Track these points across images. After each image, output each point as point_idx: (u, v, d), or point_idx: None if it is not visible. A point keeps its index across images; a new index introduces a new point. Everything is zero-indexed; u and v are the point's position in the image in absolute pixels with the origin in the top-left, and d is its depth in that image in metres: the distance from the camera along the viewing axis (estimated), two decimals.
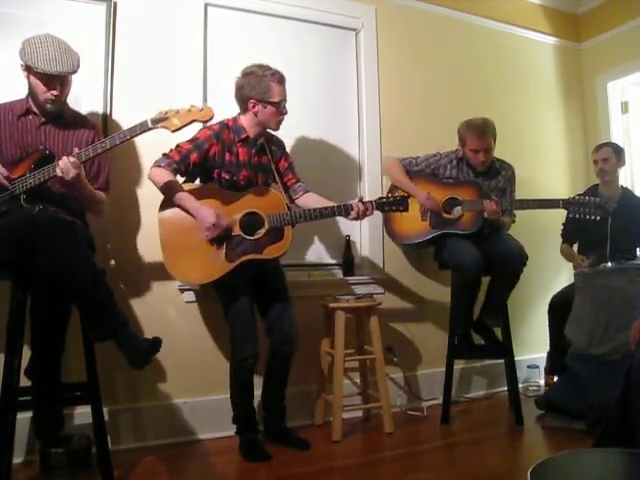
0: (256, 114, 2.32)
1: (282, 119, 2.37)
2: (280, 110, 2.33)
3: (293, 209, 2.35)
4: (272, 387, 2.41)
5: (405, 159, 2.93)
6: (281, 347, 2.32)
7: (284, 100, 2.34)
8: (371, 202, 2.35)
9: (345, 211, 2.31)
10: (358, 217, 2.33)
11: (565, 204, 2.60)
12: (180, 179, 2.30)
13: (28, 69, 1.96)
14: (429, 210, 2.79)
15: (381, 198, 2.39)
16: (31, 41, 1.94)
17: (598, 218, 2.56)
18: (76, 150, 1.91)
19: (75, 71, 2.02)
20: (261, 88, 2.28)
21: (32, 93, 2.01)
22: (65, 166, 1.85)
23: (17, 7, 2.37)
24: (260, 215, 2.27)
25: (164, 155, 2.23)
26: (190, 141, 2.26)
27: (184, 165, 2.23)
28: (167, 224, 2.24)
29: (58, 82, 1.99)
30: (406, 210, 2.39)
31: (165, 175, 2.19)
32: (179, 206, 2.22)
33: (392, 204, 2.37)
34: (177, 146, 2.25)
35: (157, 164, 2.21)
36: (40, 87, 1.98)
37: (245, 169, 2.35)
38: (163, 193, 2.23)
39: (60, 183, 1.93)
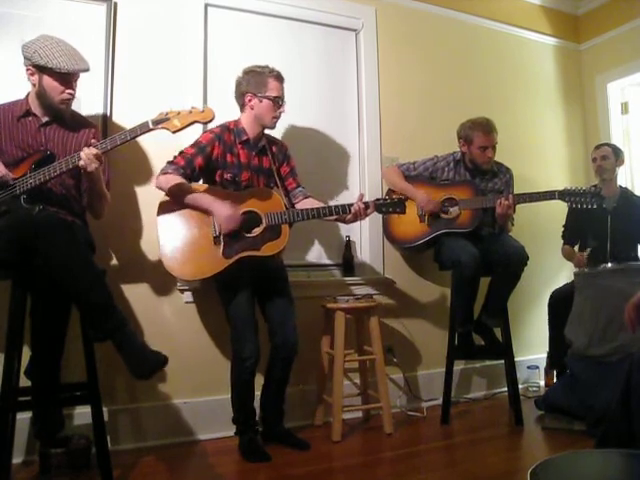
0: (252, 108, 2.33)
1: (278, 116, 2.37)
2: (276, 105, 2.33)
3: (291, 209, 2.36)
4: (272, 389, 2.41)
5: (403, 165, 2.94)
6: (282, 351, 2.32)
7: (281, 97, 2.34)
8: (368, 202, 2.34)
9: (343, 210, 2.31)
10: (356, 217, 2.32)
11: (561, 195, 2.61)
12: None
13: (42, 70, 1.94)
14: (429, 212, 2.79)
15: (378, 199, 2.40)
16: (40, 43, 1.92)
17: (595, 206, 2.56)
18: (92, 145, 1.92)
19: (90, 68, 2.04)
20: (258, 83, 2.31)
21: (43, 95, 1.99)
22: (88, 157, 1.86)
23: (17, 7, 2.37)
24: (258, 213, 2.28)
25: (169, 163, 2.24)
26: (193, 145, 2.28)
27: (190, 169, 2.24)
28: (165, 221, 2.25)
29: (74, 81, 2.01)
30: (403, 212, 2.39)
31: (174, 179, 2.20)
32: (192, 206, 2.24)
33: (389, 205, 2.37)
34: (181, 152, 2.26)
35: (164, 172, 2.23)
36: (57, 88, 1.97)
37: (246, 171, 2.36)
38: (174, 196, 2.23)
39: (85, 175, 1.95)
